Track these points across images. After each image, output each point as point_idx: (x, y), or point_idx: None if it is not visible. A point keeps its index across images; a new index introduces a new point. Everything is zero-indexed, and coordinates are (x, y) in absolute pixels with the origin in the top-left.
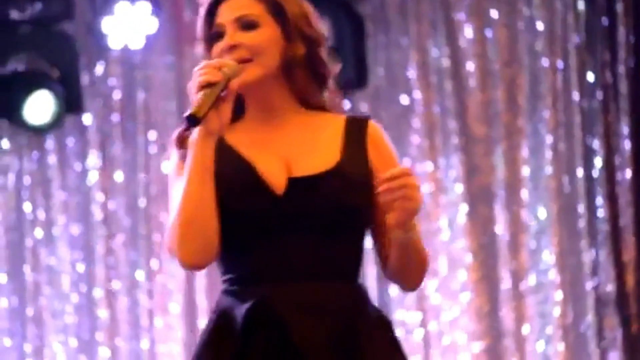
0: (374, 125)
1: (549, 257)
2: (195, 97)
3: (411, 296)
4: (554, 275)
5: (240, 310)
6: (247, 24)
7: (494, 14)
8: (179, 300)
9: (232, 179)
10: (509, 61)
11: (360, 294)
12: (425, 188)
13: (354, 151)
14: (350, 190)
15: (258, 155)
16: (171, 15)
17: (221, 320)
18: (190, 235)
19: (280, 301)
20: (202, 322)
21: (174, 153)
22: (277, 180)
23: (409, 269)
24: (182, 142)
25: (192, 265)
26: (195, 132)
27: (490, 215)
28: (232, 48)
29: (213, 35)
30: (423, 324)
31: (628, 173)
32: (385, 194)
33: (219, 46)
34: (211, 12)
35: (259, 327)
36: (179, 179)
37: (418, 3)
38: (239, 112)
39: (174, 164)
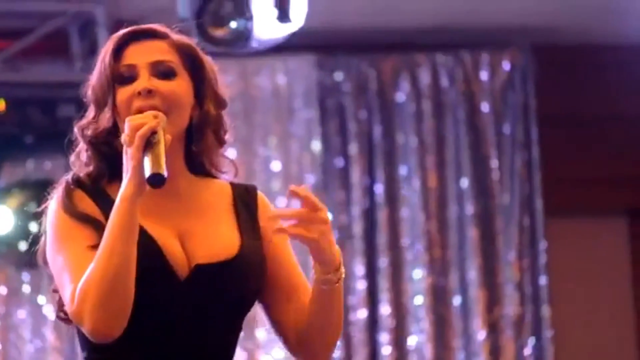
0: (263, 199)
1: None
2: (142, 153)
3: None
4: None
5: None
6: (165, 72)
7: (231, 153)
8: None
9: (138, 257)
10: None
11: None
12: None
13: (249, 230)
14: (252, 277)
15: (155, 227)
16: None
17: None
18: (112, 300)
19: None
20: None
21: (58, 210)
22: (179, 264)
23: (328, 327)
24: (70, 199)
25: (106, 334)
26: (70, 191)
27: None
28: (149, 94)
29: (122, 77)
30: None
31: (362, 313)
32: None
33: (129, 89)
34: (116, 52)
35: None
36: (72, 239)
37: None
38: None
39: (62, 221)
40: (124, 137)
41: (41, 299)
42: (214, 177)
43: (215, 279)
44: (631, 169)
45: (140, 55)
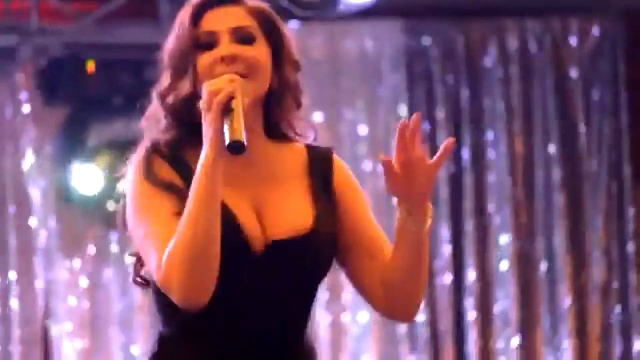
0: (339, 162)
1: None
2: (221, 119)
3: None
4: None
5: None
6: (245, 38)
7: (317, 116)
8: None
9: None
10: None
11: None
12: None
13: (323, 197)
14: (326, 249)
15: (231, 196)
16: None
17: None
18: (199, 267)
19: None
20: None
21: (139, 178)
22: (255, 238)
23: (415, 276)
24: (150, 166)
25: (195, 301)
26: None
27: None
28: (232, 60)
29: (202, 43)
30: None
31: (448, 277)
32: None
33: (211, 55)
34: (195, 18)
35: None
36: (154, 207)
37: None
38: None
39: (143, 189)
40: (202, 103)
41: (129, 259)
42: (291, 140)
43: (290, 254)
44: None
45: (219, 21)
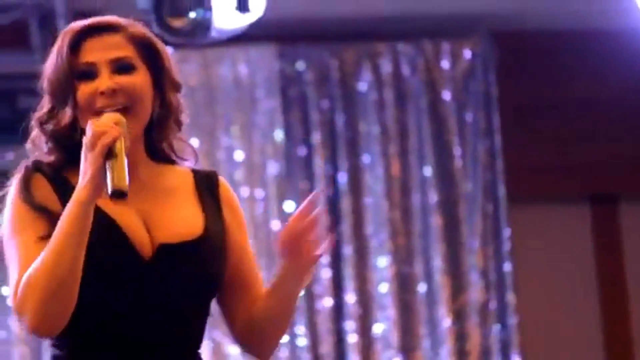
0: (224, 183)
1: None
2: (103, 160)
3: None
4: None
5: None
6: (124, 67)
7: (194, 142)
8: None
9: (98, 238)
10: None
11: None
12: None
13: (212, 213)
14: (216, 258)
15: (117, 210)
16: None
17: None
18: (55, 301)
19: None
20: None
21: (16, 198)
22: (143, 244)
23: (279, 325)
24: (28, 186)
25: (43, 332)
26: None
27: None
28: (112, 93)
29: (81, 73)
30: None
31: (328, 301)
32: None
33: (90, 86)
34: (74, 47)
35: None
36: (24, 229)
37: None
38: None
39: (18, 209)
40: (85, 141)
41: (5, 290)
42: (174, 163)
43: (180, 259)
44: (594, 155)
45: (98, 51)
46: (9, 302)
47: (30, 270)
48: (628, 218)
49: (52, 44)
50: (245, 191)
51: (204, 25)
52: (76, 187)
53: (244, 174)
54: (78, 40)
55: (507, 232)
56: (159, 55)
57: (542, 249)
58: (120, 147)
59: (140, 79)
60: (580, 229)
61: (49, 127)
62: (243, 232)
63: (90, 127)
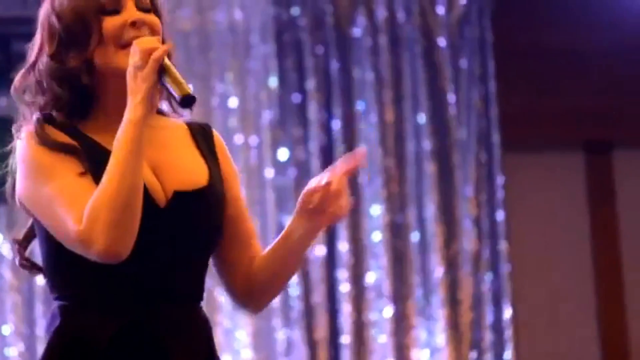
0: (217, 135)
1: (244, 336)
2: (156, 75)
3: None
4: (248, 355)
5: (106, 332)
6: (145, 8)
7: None
8: None
9: None
10: None
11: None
12: None
13: (213, 163)
14: (220, 208)
15: None
16: None
17: (72, 344)
18: (125, 220)
19: (154, 322)
20: None
21: (34, 145)
22: (156, 190)
23: (281, 280)
24: (43, 132)
25: (118, 253)
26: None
27: None
28: (142, 24)
29: (107, 9)
30: None
31: (320, 250)
32: (328, 200)
33: (118, 19)
34: None
35: (131, 350)
36: (57, 170)
37: None
38: (87, 104)
39: (41, 155)
40: (133, 62)
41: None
42: (167, 115)
43: (193, 205)
44: (589, 102)
45: None
46: (66, 242)
47: (93, 198)
48: (622, 166)
49: None
50: (239, 138)
51: None
52: (126, 113)
53: (238, 121)
54: None
55: (500, 179)
56: (161, 4)
57: (536, 196)
58: (168, 62)
59: (157, 20)
60: (574, 176)
61: (61, 68)
62: (238, 184)
63: (137, 47)
